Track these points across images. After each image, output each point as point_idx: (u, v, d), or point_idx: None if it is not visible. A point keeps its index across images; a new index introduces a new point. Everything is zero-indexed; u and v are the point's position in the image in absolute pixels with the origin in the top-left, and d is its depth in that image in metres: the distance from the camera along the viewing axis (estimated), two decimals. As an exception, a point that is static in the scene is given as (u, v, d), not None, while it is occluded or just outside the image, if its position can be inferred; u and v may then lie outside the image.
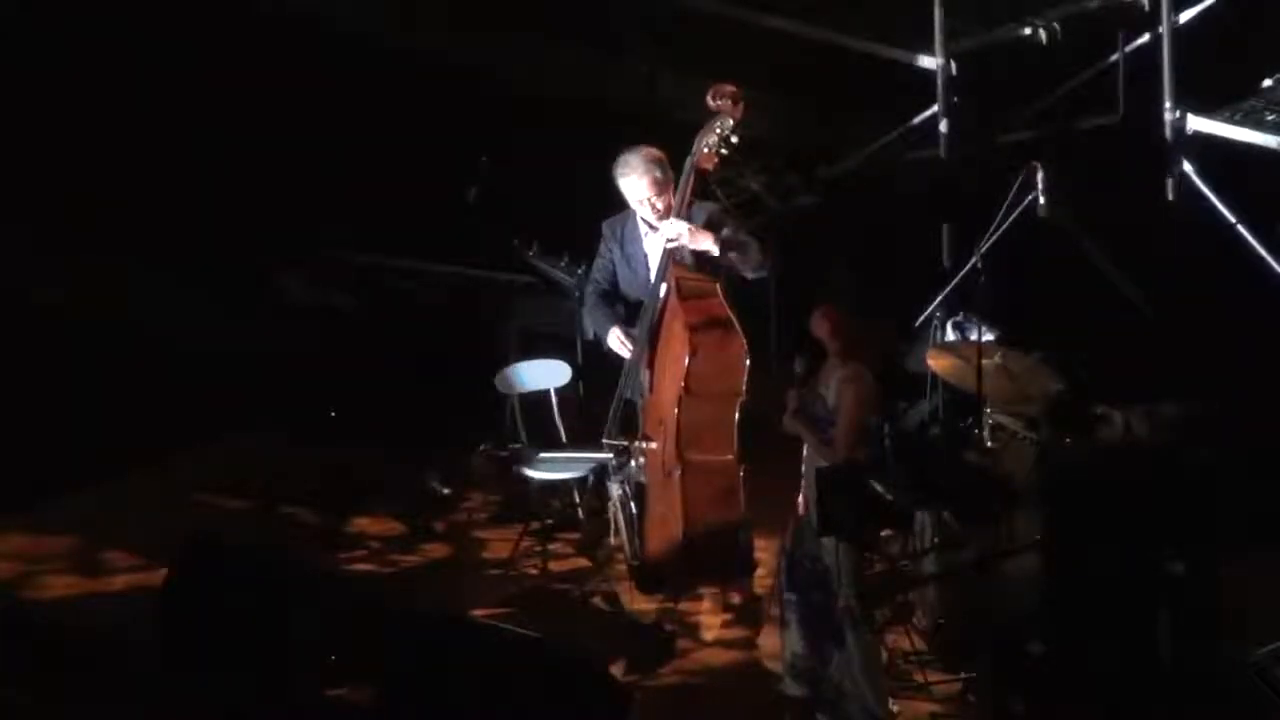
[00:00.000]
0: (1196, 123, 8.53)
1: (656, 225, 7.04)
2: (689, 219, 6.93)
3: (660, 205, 7.00)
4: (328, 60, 9.42)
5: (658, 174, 6.98)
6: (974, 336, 7.00)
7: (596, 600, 7.31)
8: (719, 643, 6.94)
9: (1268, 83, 8.58)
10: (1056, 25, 9.00)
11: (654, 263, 7.09)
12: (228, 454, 8.72)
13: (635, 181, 7.00)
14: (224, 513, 8.14)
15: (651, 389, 7.11)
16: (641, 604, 7.13)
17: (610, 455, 7.19)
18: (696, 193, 6.99)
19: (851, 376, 6.21)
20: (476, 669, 5.26)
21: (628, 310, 7.23)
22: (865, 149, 9.49)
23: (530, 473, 7.65)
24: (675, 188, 6.96)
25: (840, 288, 6.75)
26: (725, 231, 6.92)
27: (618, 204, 7.21)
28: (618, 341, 7.14)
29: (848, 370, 6.22)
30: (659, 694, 6.48)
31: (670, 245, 6.93)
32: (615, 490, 7.20)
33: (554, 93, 9.50)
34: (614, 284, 7.27)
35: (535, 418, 7.85)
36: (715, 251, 6.87)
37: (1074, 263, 8.26)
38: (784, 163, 9.16)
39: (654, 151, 7.02)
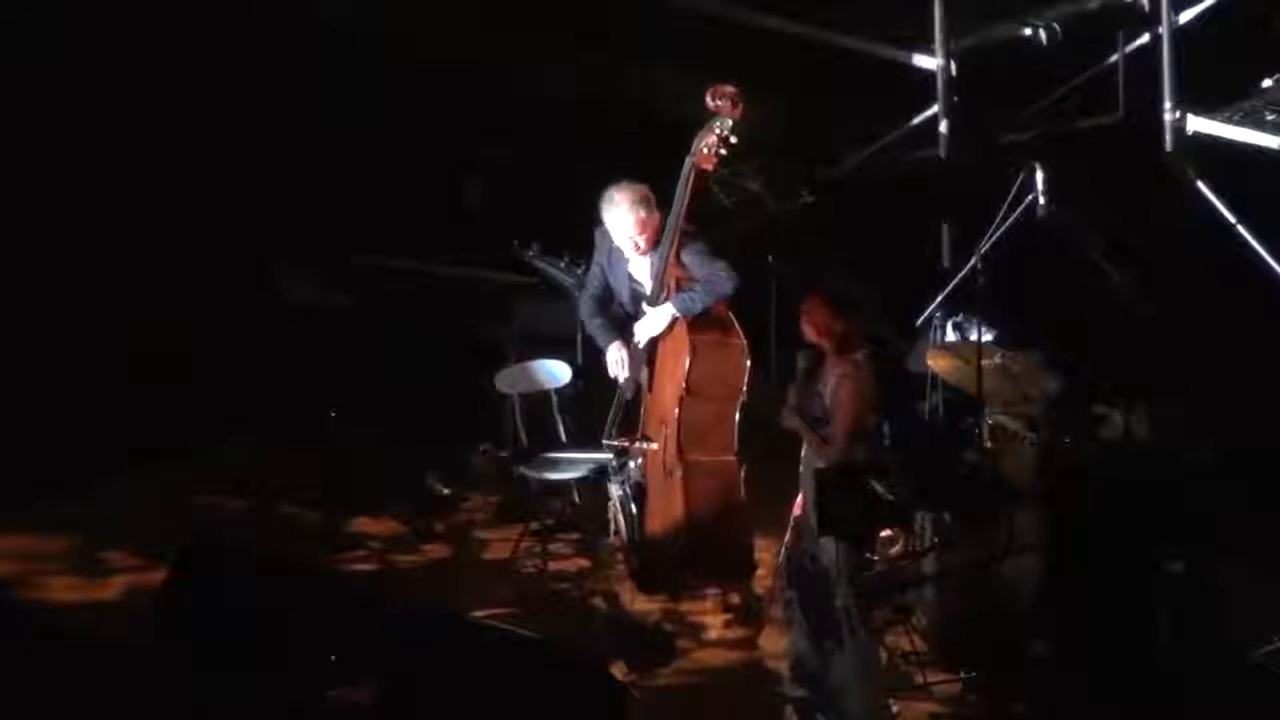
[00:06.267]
0: (1196, 123, 8.53)
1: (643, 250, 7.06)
2: (679, 254, 6.92)
3: (643, 243, 7.02)
4: (328, 60, 9.42)
5: (643, 213, 6.97)
6: (974, 336, 7.00)
7: (596, 600, 7.31)
8: (719, 643, 6.93)
9: (1268, 83, 8.58)
10: (1056, 25, 9.00)
11: (640, 278, 7.10)
12: (228, 454, 8.72)
13: (621, 218, 6.99)
14: (224, 513, 8.14)
15: (652, 389, 7.11)
16: (641, 604, 7.13)
17: (610, 455, 7.20)
18: (697, 193, 6.97)
19: (848, 374, 6.21)
20: (476, 669, 5.26)
21: (623, 313, 7.24)
22: (865, 149, 9.49)
23: (530, 473, 7.65)
24: (672, 202, 6.94)
25: (832, 284, 6.75)
26: (685, 295, 6.90)
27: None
28: (615, 362, 7.14)
29: (844, 368, 6.22)
30: (659, 694, 6.48)
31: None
32: (615, 490, 7.21)
33: (554, 93, 9.50)
34: (608, 288, 7.28)
35: (535, 418, 7.85)
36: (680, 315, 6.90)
37: (1074, 263, 8.26)
38: (783, 163, 9.16)
39: (640, 188, 7.00)
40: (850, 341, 6.22)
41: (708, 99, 6.89)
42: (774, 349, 7.92)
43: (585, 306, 7.34)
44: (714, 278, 6.86)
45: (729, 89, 6.86)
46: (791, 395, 6.43)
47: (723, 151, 6.89)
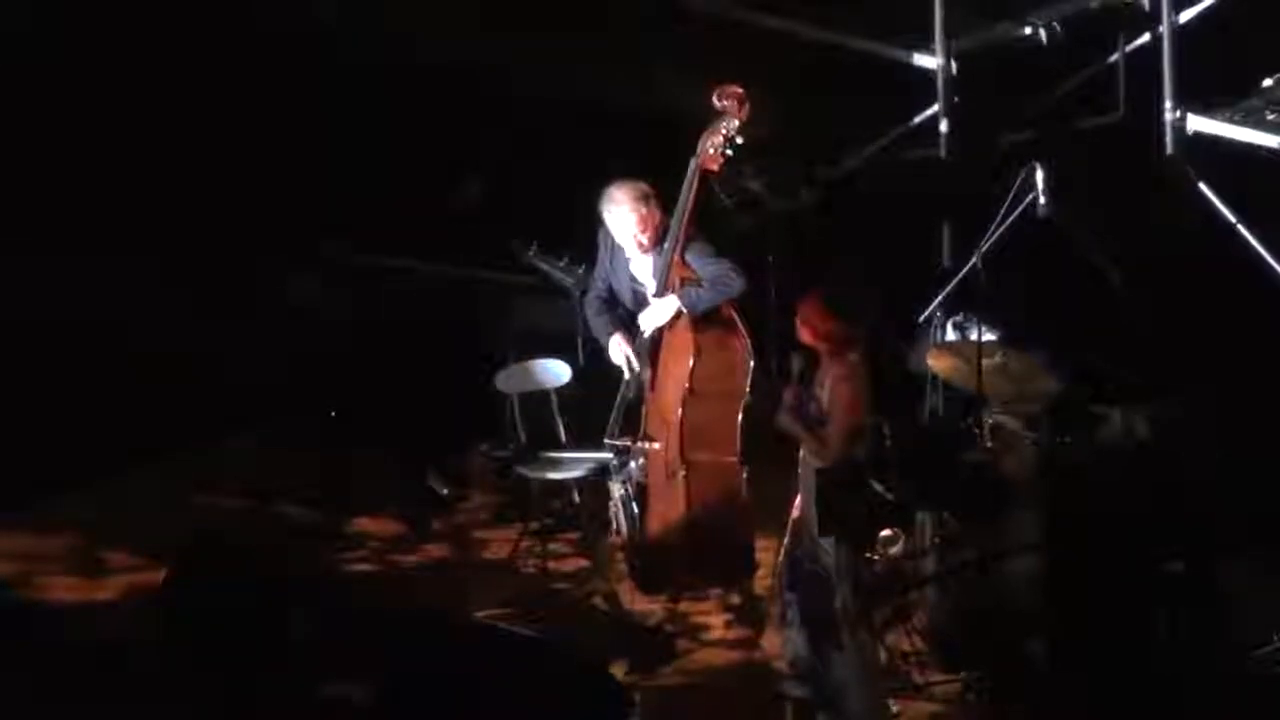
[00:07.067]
0: (1196, 123, 8.54)
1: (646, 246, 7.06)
2: (683, 254, 6.92)
3: (646, 241, 7.02)
4: (328, 60, 9.42)
5: (643, 210, 6.97)
6: (974, 336, 7.00)
7: (596, 600, 7.31)
8: (720, 643, 6.94)
9: (1268, 82, 8.58)
10: (1056, 25, 9.01)
11: (642, 279, 7.10)
12: (228, 454, 8.72)
13: (623, 217, 6.99)
14: (224, 513, 8.14)
15: (654, 389, 7.10)
16: (642, 604, 7.13)
17: (610, 455, 7.19)
18: (702, 195, 6.96)
19: (845, 375, 6.19)
20: (476, 669, 5.26)
21: (626, 313, 7.24)
22: (865, 149, 9.50)
23: (530, 472, 7.65)
24: (674, 202, 6.94)
25: (829, 284, 6.74)
26: (693, 291, 6.89)
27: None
28: (619, 352, 7.14)
29: (841, 369, 6.21)
30: (659, 694, 6.48)
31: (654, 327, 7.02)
32: (617, 490, 7.20)
33: (555, 93, 9.50)
34: (611, 289, 7.28)
35: (535, 418, 7.85)
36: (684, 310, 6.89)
37: (1074, 262, 8.26)
38: (784, 162, 9.15)
39: (640, 186, 6.99)
40: (846, 343, 6.21)
41: (714, 99, 6.89)
42: (773, 349, 7.91)
43: (589, 306, 7.34)
44: (722, 277, 6.85)
45: (735, 89, 6.86)
46: (787, 396, 6.42)
47: (729, 152, 6.89)
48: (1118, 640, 6.17)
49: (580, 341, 7.92)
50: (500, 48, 9.65)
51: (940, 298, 7.90)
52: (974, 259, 6.94)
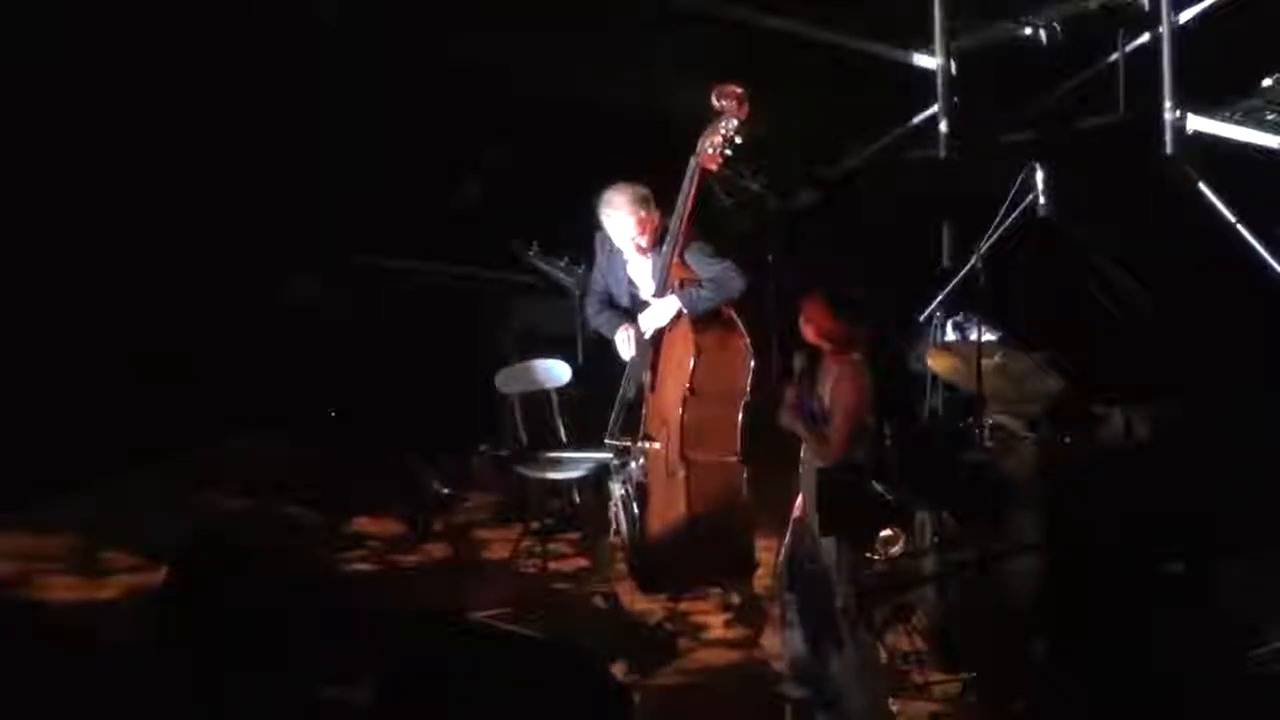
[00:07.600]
0: (1196, 122, 8.54)
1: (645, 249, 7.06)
2: (683, 254, 6.92)
3: (645, 244, 7.01)
4: (328, 60, 9.42)
5: (642, 213, 6.97)
6: (974, 336, 7.00)
7: (596, 600, 7.31)
8: (719, 643, 6.94)
9: (1268, 82, 8.59)
10: (1056, 25, 9.01)
11: (639, 282, 7.11)
12: (228, 454, 8.72)
13: (621, 220, 6.99)
14: (224, 513, 8.14)
15: (654, 389, 7.10)
16: (642, 604, 7.13)
17: (611, 455, 7.20)
18: (700, 192, 6.96)
19: (847, 374, 6.19)
20: (476, 669, 5.26)
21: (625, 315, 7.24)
22: (865, 149, 9.50)
23: (530, 472, 7.65)
24: (673, 203, 6.93)
25: (832, 284, 6.74)
26: (693, 291, 6.89)
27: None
28: (624, 341, 7.13)
29: (843, 368, 6.21)
30: (659, 694, 6.48)
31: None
32: (617, 490, 7.20)
33: (555, 93, 9.50)
34: (609, 292, 7.27)
35: (535, 418, 7.85)
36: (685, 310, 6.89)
37: (1074, 262, 8.26)
38: (784, 162, 9.16)
39: (639, 189, 6.99)
40: (850, 342, 6.21)
41: (713, 98, 6.88)
42: (774, 348, 7.91)
43: (589, 308, 7.34)
44: (723, 276, 6.85)
45: (735, 88, 6.85)
46: (789, 395, 6.42)
47: (728, 151, 6.88)
48: (1118, 640, 6.17)
49: (580, 341, 7.92)
50: (500, 48, 9.65)
51: (940, 298, 7.90)
52: (974, 259, 6.94)
